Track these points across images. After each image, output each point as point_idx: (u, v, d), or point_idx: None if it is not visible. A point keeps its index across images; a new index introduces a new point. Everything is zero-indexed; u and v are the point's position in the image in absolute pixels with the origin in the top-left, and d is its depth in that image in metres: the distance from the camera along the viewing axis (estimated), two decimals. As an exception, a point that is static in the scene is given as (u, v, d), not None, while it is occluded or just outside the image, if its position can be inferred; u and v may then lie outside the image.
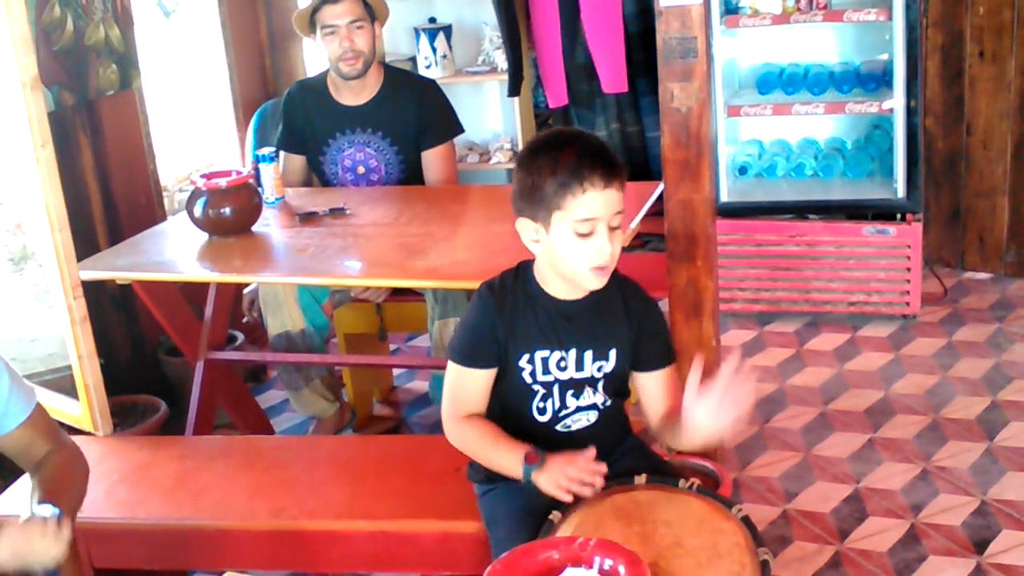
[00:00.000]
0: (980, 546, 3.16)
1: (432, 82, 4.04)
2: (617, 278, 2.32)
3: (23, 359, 3.47)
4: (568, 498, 2.18)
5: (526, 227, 2.23)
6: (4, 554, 1.89)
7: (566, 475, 2.18)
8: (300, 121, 3.96)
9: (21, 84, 2.72)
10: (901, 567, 3.10)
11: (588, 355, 2.31)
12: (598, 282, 2.21)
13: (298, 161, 4.03)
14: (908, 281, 4.54)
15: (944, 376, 4.17)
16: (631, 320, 2.32)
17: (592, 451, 2.22)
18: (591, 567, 1.77)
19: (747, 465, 3.68)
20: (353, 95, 3.90)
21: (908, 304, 4.58)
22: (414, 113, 3.89)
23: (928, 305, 4.71)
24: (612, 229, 2.16)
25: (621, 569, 1.74)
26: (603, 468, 2.20)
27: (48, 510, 1.98)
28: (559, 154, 2.14)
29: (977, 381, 4.11)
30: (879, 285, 4.59)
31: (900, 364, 4.29)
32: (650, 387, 2.37)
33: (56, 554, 1.92)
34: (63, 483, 2.15)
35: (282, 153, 4.01)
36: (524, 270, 2.32)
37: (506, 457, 2.27)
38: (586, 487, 2.18)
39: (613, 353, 2.32)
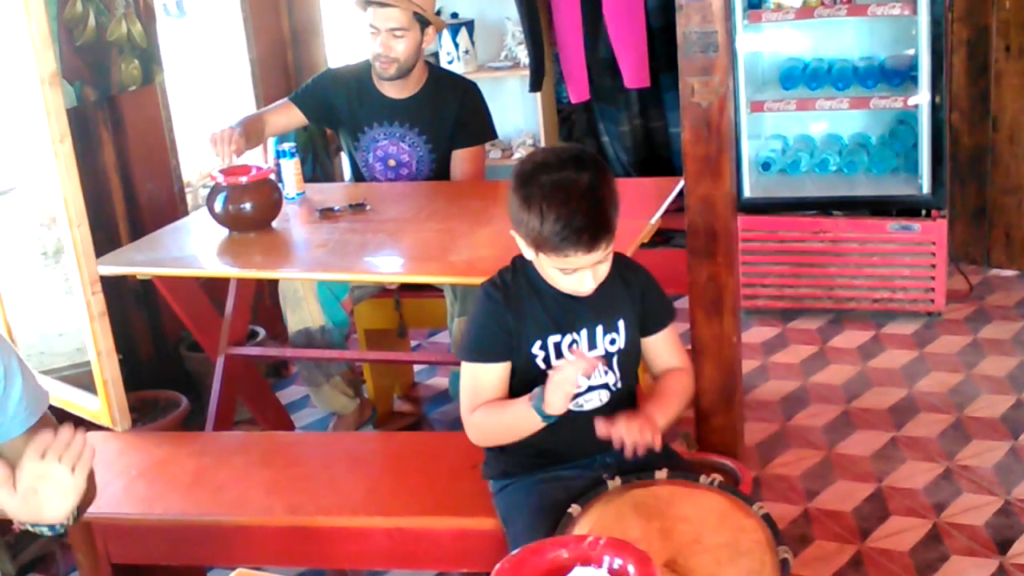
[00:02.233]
0: (1003, 546, 3.13)
1: (474, 85, 4.02)
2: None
3: (51, 353, 3.49)
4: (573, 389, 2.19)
5: (520, 241, 2.28)
6: (19, 496, 1.75)
7: (559, 384, 2.16)
8: (341, 101, 3.91)
9: (40, 80, 2.72)
10: (923, 567, 3.07)
11: (599, 330, 2.33)
12: (581, 295, 2.27)
13: (296, 120, 3.95)
14: (933, 278, 4.50)
15: (968, 374, 4.13)
16: (631, 289, 2.38)
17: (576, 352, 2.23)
18: (600, 566, 1.76)
19: (768, 463, 3.65)
20: (396, 89, 3.88)
21: (933, 301, 4.54)
22: (453, 113, 3.88)
23: (953, 302, 4.67)
24: (596, 264, 2.21)
25: (631, 568, 1.73)
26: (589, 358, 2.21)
27: None
28: (546, 208, 2.14)
29: (1002, 379, 4.07)
30: (903, 282, 4.56)
31: (924, 362, 4.26)
32: (658, 348, 2.44)
33: (75, 489, 1.78)
34: None
35: (293, 106, 3.92)
36: (521, 263, 2.35)
37: (516, 415, 2.26)
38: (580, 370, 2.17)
39: (622, 324, 2.35)
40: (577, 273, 2.20)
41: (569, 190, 2.15)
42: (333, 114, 3.96)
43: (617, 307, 2.35)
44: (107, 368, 3.00)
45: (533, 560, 1.79)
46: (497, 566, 1.76)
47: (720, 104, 3.03)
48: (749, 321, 4.69)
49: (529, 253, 2.27)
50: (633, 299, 2.37)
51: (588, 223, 2.13)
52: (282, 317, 3.83)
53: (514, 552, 1.84)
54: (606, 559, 1.76)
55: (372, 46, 3.78)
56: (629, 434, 2.19)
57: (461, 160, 3.93)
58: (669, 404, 2.35)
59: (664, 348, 2.45)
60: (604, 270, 2.24)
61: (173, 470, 2.94)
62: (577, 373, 2.15)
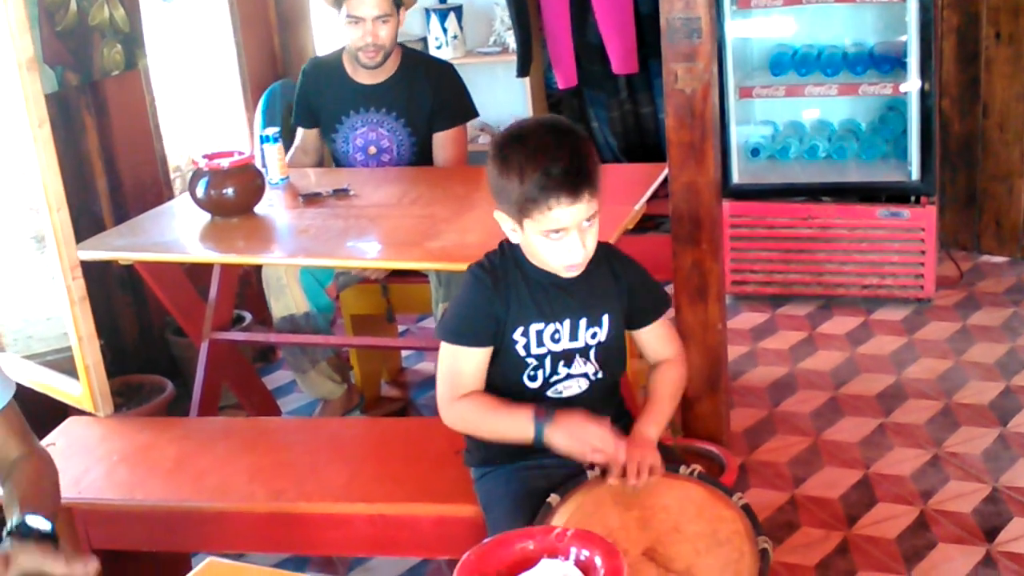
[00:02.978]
0: (990, 534, 3.12)
1: (449, 65, 4.00)
2: (600, 246, 2.33)
3: (37, 338, 3.47)
4: (595, 458, 2.19)
5: (504, 220, 2.24)
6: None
7: (586, 438, 2.18)
8: (314, 98, 3.93)
9: (17, 64, 2.70)
10: (909, 554, 3.07)
11: (582, 323, 2.30)
12: (572, 275, 2.23)
13: (315, 136, 4.02)
14: (922, 264, 4.49)
15: (957, 361, 4.12)
16: (619, 283, 2.34)
17: (607, 421, 2.23)
18: (567, 558, 1.73)
19: (755, 449, 3.64)
20: (370, 75, 3.86)
21: (922, 288, 4.53)
22: (429, 95, 3.85)
23: (943, 289, 4.66)
24: (586, 223, 2.16)
25: (597, 560, 1.70)
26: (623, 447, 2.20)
27: (41, 522, 1.91)
28: (526, 165, 2.11)
29: (991, 366, 4.06)
30: (893, 268, 4.54)
31: (913, 348, 4.25)
32: (650, 340, 2.43)
33: None
34: (39, 490, 2.07)
35: (300, 130, 4.00)
36: (510, 247, 2.31)
37: (512, 422, 2.24)
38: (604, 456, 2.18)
39: (606, 319, 2.31)
40: (566, 239, 2.15)
41: (547, 145, 2.13)
42: (315, 114, 3.97)
43: (604, 300, 2.32)
44: (88, 353, 2.98)
45: (499, 552, 1.77)
46: (463, 557, 1.75)
47: (704, 91, 3.01)
48: (738, 307, 4.68)
49: (515, 236, 2.24)
50: (621, 293, 2.34)
51: (570, 168, 2.10)
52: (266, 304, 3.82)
53: (481, 543, 1.82)
54: (573, 551, 1.74)
55: (356, 38, 3.74)
56: (631, 467, 2.17)
57: (443, 142, 3.90)
58: (661, 410, 2.34)
59: (656, 339, 2.43)
60: (592, 240, 2.19)
61: (155, 456, 2.92)
62: (601, 444, 2.18)
